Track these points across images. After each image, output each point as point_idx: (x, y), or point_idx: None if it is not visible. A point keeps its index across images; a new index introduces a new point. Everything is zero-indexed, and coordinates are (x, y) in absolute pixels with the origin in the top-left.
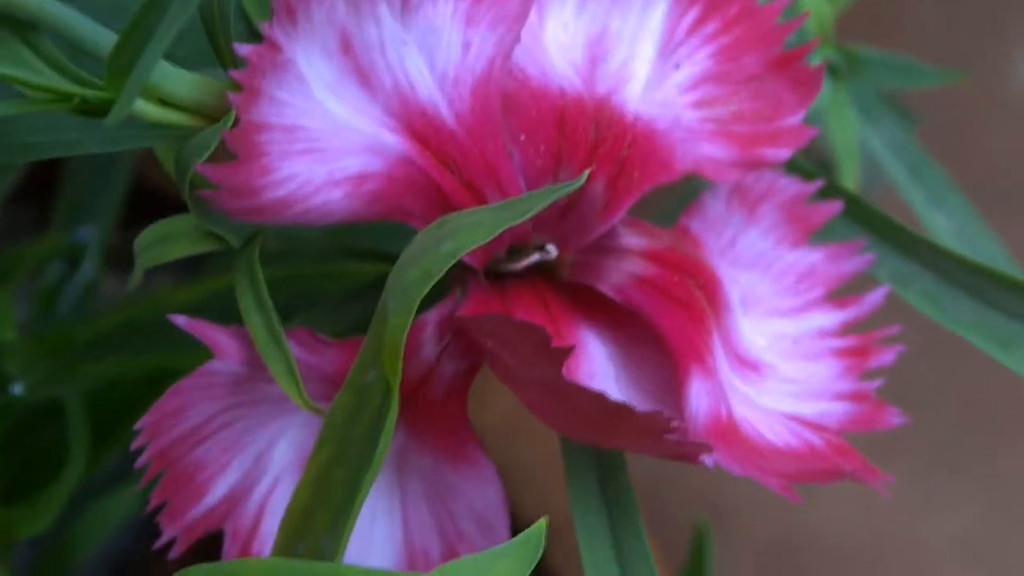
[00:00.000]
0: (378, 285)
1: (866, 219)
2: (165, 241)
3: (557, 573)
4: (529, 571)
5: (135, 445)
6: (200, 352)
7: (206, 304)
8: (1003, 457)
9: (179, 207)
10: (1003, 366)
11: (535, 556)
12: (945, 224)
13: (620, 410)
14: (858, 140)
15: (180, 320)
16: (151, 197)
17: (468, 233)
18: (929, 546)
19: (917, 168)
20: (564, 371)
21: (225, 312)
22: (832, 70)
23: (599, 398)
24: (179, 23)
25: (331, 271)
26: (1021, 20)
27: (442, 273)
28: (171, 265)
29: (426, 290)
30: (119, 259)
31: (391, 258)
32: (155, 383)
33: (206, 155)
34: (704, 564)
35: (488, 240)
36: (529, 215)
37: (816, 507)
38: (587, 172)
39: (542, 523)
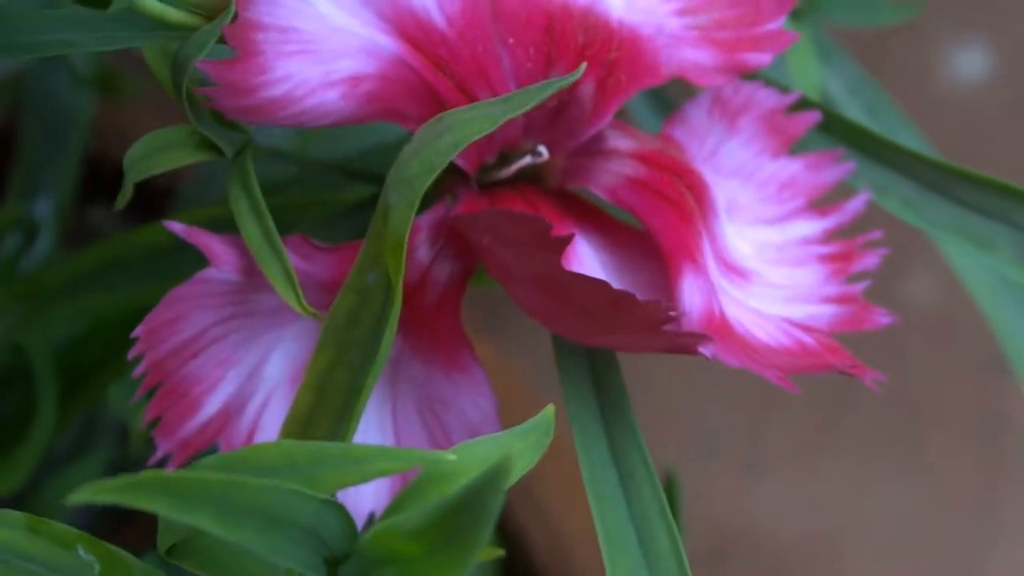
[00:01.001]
0: (364, 205)
1: (842, 131)
2: (157, 152)
3: (525, 531)
4: (541, 453)
5: (132, 354)
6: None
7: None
8: (930, 443)
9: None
10: (927, 356)
11: (546, 439)
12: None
13: (622, 299)
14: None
15: (176, 227)
16: (106, 172)
17: (468, 126)
18: (863, 536)
19: (875, 109)
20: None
21: None
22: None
23: (601, 286)
24: None
25: (313, 200)
26: (948, 21)
27: (444, 165)
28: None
29: (429, 182)
30: (75, 234)
31: (378, 179)
32: (125, 342)
33: (205, 51)
34: (675, 501)
35: (489, 131)
36: (528, 107)
37: (753, 502)
38: (584, 65)
39: (551, 408)
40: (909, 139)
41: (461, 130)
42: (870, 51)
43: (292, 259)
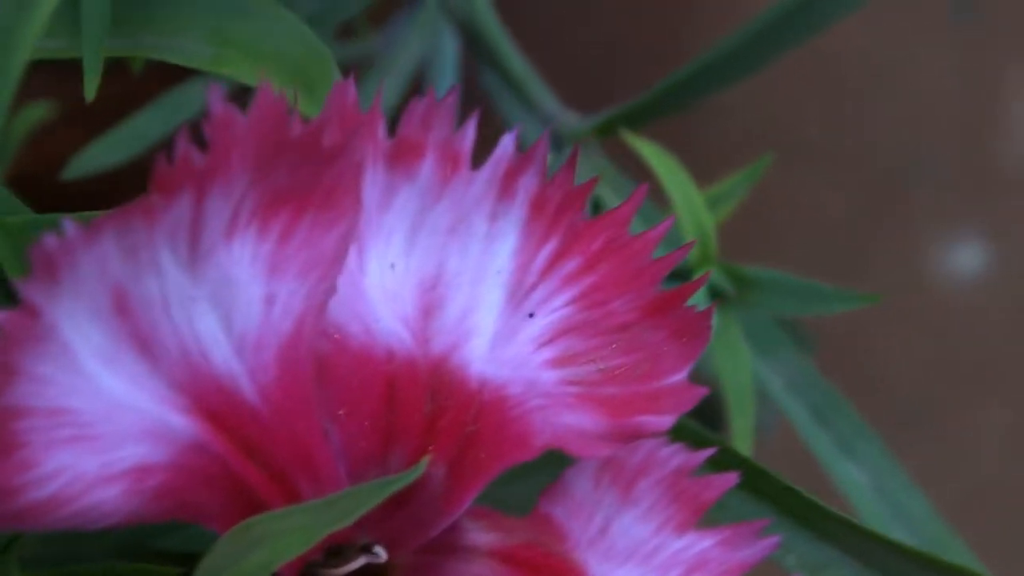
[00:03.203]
0: None
1: (769, 491)
2: None
3: None
4: None
5: None
6: None
7: None
8: None
9: None
10: None
11: None
12: (857, 476)
13: None
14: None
15: None
16: None
17: (281, 541)
18: None
19: (822, 411)
20: None
21: None
22: (718, 295)
23: None
24: None
25: (104, 572)
26: (924, 209)
27: None
28: None
29: None
30: None
31: (179, 558)
32: None
33: None
34: None
35: (309, 548)
36: (355, 517)
37: None
38: (426, 459)
39: None
40: (864, 447)
41: (274, 546)
42: (838, 249)
43: None
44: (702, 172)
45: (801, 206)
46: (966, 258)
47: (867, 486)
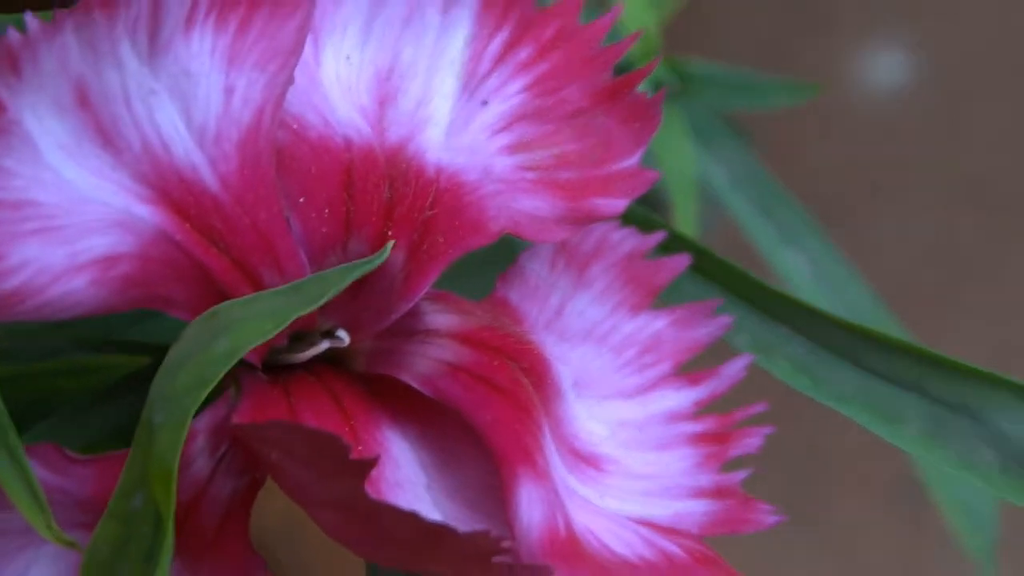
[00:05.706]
0: (134, 381)
1: (719, 275)
2: None
3: None
4: None
5: None
6: None
7: None
8: (840, 506)
9: None
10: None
11: None
12: (798, 264)
13: (438, 532)
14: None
15: None
16: None
17: (248, 326)
18: None
19: (766, 204)
20: (367, 485)
21: None
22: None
23: (411, 518)
24: None
25: (72, 366)
26: (852, 20)
27: (220, 377)
28: None
29: (201, 399)
30: None
31: (147, 348)
32: None
33: None
34: None
35: (276, 332)
36: (322, 301)
37: None
38: (391, 243)
39: None
40: (806, 237)
41: (239, 332)
42: (770, 56)
43: (41, 473)
44: None
45: (716, 27)
46: (888, 67)
47: (809, 274)
